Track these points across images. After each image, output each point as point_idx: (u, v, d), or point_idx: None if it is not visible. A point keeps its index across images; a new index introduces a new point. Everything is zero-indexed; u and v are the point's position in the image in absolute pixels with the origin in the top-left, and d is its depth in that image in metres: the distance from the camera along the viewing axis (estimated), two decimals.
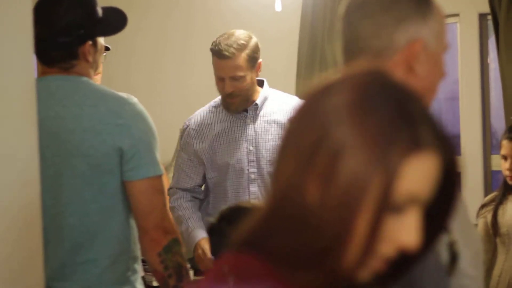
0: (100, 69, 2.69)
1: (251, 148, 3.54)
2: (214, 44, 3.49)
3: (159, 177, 2.51)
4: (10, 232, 2.03)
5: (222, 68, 3.45)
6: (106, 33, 2.61)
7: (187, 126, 3.65)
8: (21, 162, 2.06)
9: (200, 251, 3.50)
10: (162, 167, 2.54)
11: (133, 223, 2.53)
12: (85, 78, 2.52)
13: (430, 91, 1.62)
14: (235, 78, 3.46)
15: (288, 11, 4.98)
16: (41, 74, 2.55)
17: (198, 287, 1.10)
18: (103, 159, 2.43)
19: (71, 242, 2.45)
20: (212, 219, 2.57)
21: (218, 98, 3.62)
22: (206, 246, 3.47)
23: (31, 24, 2.06)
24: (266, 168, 3.52)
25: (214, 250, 2.56)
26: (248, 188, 3.54)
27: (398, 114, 1.02)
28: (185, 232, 3.55)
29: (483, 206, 3.90)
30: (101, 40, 2.60)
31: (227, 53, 3.44)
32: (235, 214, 2.45)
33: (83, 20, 2.50)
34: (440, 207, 1.08)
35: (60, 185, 2.43)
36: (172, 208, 3.59)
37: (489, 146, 4.91)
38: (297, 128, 1.06)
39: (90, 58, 2.53)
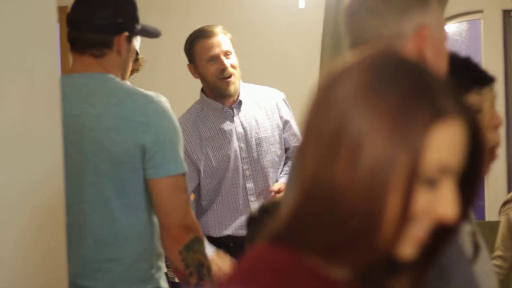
0: (128, 74, 2.68)
1: (242, 145, 3.54)
2: (195, 33, 3.52)
3: (182, 175, 2.51)
4: (33, 227, 2.06)
5: (215, 45, 3.46)
6: (144, 34, 2.62)
7: None
8: (45, 159, 2.09)
9: (215, 268, 3.43)
10: (185, 165, 2.55)
11: (156, 220, 2.53)
12: (111, 75, 2.52)
13: None
14: (227, 54, 3.47)
15: (311, 8, 4.98)
16: (71, 67, 2.56)
17: (231, 282, 1.08)
18: (125, 157, 2.44)
19: (94, 239, 2.46)
20: (253, 211, 2.58)
21: (197, 103, 3.61)
22: (219, 261, 3.40)
23: (55, 22, 2.09)
24: (258, 162, 3.52)
25: (250, 241, 2.55)
26: (245, 185, 3.54)
27: (415, 86, 1.02)
28: None
29: (505, 203, 3.88)
30: (136, 43, 2.60)
31: (215, 30, 3.49)
32: (276, 207, 2.46)
33: (123, 9, 2.52)
34: (470, 176, 1.07)
35: (82, 182, 2.45)
36: None
37: None
38: (316, 117, 1.06)
39: (123, 51, 2.53)
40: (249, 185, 3.54)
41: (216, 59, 3.46)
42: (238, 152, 3.54)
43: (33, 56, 2.05)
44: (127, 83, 2.62)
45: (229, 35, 3.52)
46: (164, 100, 2.54)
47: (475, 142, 1.05)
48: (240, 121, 3.56)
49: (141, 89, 2.55)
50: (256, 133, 3.56)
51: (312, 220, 1.04)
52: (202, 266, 2.52)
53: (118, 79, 2.54)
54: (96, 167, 2.44)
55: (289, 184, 1.57)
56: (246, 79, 3.67)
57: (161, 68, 5.59)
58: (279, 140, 3.60)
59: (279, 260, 1.06)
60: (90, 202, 2.45)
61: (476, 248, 1.59)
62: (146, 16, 2.67)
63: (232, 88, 3.50)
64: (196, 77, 3.58)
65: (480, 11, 5.00)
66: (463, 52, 2.10)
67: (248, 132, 3.55)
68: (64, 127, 2.17)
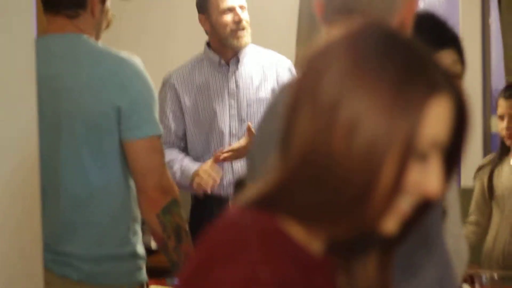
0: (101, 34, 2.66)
1: (232, 102, 3.55)
2: None
3: (158, 136, 2.51)
4: (7, 190, 2.04)
5: None
6: None
7: (169, 78, 3.62)
8: (20, 120, 2.07)
9: (200, 172, 3.44)
10: (160, 127, 2.54)
11: (132, 183, 2.53)
12: (85, 36, 2.50)
13: None
14: (242, 8, 3.51)
15: None
16: (45, 28, 2.54)
17: (212, 247, 1.06)
18: (101, 118, 2.43)
19: (69, 200, 2.46)
20: (242, 175, 2.57)
21: (200, 54, 3.63)
22: (205, 167, 3.42)
23: None
24: (247, 121, 3.51)
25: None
26: (230, 142, 3.53)
27: (409, 61, 1.03)
28: (178, 171, 3.50)
29: (479, 168, 3.90)
30: (108, 3, 2.58)
31: None
32: None
33: None
34: (453, 150, 1.07)
35: (58, 143, 2.44)
36: None
37: (489, 107, 4.90)
38: (309, 86, 1.05)
39: (97, 13, 2.52)
40: (234, 143, 3.53)
41: (232, 10, 3.49)
42: (228, 108, 3.54)
43: (10, 17, 2.02)
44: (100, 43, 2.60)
45: None
46: (137, 61, 2.51)
47: (461, 117, 1.06)
48: (235, 78, 3.57)
49: (115, 50, 2.53)
50: (249, 93, 3.56)
51: (304, 186, 1.03)
52: (180, 229, 2.52)
53: (92, 40, 2.52)
54: (71, 128, 2.43)
55: (270, 147, 1.56)
56: None
57: (146, 45, 5.56)
58: None
59: (267, 228, 1.05)
60: (66, 163, 2.44)
61: (442, 216, 1.60)
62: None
63: (243, 42, 3.52)
64: (206, 28, 3.59)
65: None
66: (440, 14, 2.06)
67: (241, 90, 3.56)
68: (39, 88, 2.16)
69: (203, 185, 3.41)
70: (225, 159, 3.43)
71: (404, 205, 1.03)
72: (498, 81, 5.04)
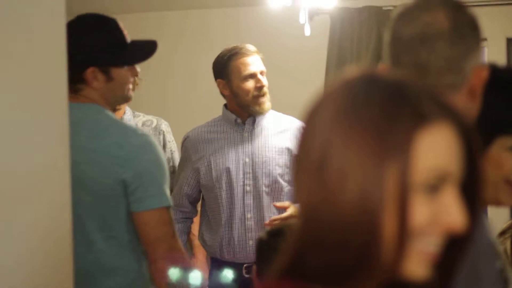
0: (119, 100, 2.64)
1: (247, 160, 3.56)
2: (231, 50, 3.58)
3: (165, 208, 2.50)
4: (39, 257, 2.03)
5: (253, 63, 3.54)
6: (119, 63, 2.56)
7: (186, 138, 3.68)
8: (55, 183, 2.06)
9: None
10: (169, 198, 2.53)
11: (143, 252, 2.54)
12: (94, 105, 2.51)
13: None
14: (263, 73, 3.56)
15: (316, 35, 5.02)
16: None
17: None
18: (107, 191, 2.44)
19: (80, 271, 2.39)
20: (262, 235, 2.58)
21: (218, 116, 3.68)
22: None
23: (65, 43, 2.05)
24: (262, 180, 3.52)
25: (264, 268, 2.51)
26: (243, 200, 3.53)
27: (392, 97, 0.98)
28: None
29: (502, 233, 3.85)
30: (121, 70, 2.56)
31: (253, 50, 3.57)
32: (287, 227, 2.42)
33: (83, 46, 2.49)
34: (471, 180, 1.01)
35: None
36: None
37: None
38: (304, 143, 1.03)
39: (96, 85, 2.52)
40: (248, 201, 3.53)
41: (253, 76, 3.54)
42: (242, 165, 3.55)
43: (42, 81, 2.02)
44: (113, 114, 2.59)
45: (261, 55, 3.61)
46: (145, 132, 2.54)
47: (469, 144, 1.00)
48: (250, 137, 3.58)
49: (123, 123, 2.54)
50: (264, 151, 3.56)
51: (314, 247, 1.01)
52: None
53: (102, 110, 2.53)
54: (78, 200, 2.40)
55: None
56: None
57: (150, 91, 5.61)
58: (289, 163, 3.57)
59: None
60: (74, 234, 2.43)
61: (506, 284, 1.58)
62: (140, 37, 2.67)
63: (265, 107, 3.56)
64: (225, 93, 3.62)
65: (485, 39, 5.04)
66: None
67: (256, 149, 3.57)
68: None
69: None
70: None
71: (427, 246, 0.98)
72: None
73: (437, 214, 0.96)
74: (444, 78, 1.56)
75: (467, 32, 1.57)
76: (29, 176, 1.97)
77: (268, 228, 2.76)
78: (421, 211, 0.96)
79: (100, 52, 2.52)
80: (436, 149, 0.97)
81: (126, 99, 2.64)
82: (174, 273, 2.49)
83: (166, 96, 5.62)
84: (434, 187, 0.96)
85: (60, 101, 2.07)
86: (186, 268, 2.52)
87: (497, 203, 1.64)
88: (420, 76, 1.56)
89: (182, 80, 5.61)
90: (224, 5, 5.51)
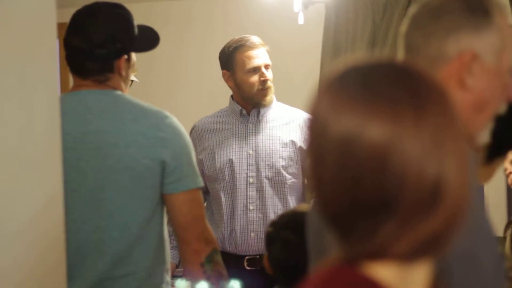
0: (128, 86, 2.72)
1: (250, 152, 3.56)
2: (236, 41, 3.58)
3: (199, 189, 2.57)
4: (33, 250, 2.03)
5: (259, 56, 3.54)
6: (141, 49, 2.65)
7: (193, 128, 3.71)
8: (45, 186, 2.06)
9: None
10: (201, 179, 2.58)
11: (166, 235, 2.59)
12: (120, 92, 2.56)
13: (483, 109, 1.53)
14: (267, 67, 3.55)
15: (310, 24, 4.98)
16: (75, 87, 2.57)
17: None
18: (146, 173, 2.47)
19: (112, 255, 2.48)
20: (269, 228, 2.63)
21: (225, 107, 3.69)
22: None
23: (55, 40, 2.08)
24: (265, 172, 3.53)
25: (277, 261, 2.57)
26: (246, 191, 3.53)
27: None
28: None
29: (509, 223, 3.83)
30: (134, 56, 2.64)
31: (259, 43, 3.56)
32: (295, 220, 2.45)
33: (120, 34, 2.54)
34: None
35: (101, 199, 2.46)
36: None
37: None
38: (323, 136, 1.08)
39: (124, 72, 2.57)
40: (251, 192, 3.54)
41: (258, 70, 3.53)
42: (245, 157, 3.55)
43: (32, 74, 2.02)
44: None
45: (267, 47, 3.60)
46: (171, 115, 2.59)
47: None
48: (254, 129, 3.59)
49: (151, 105, 2.58)
50: (268, 143, 3.57)
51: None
52: (221, 276, 2.56)
53: (127, 96, 2.58)
54: (117, 183, 2.46)
55: None
56: None
57: (155, 82, 5.61)
58: (293, 156, 3.58)
59: (353, 280, 1.05)
60: (111, 218, 2.47)
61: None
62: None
63: (268, 100, 3.57)
64: (229, 84, 3.64)
65: None
66: None
67: (260, 141, 3.57)
68: (80, 144, 2.33)
69: None
70: None
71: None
72: None
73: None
74: (422, 53, 1.54)
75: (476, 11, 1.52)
76: (20, 170, 1.98)
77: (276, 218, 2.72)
78: None
79: (131, 39, 2.58)
80: None
81: (127, 88, 2.70)
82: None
83: (173, 86, 5.63)
84: None
85: (51, 94, 2.08)
86: (216, 247, 2.57)
87: None
88: (407, 53, 1.56)
89: (189, 69, 5.60)
90: None
